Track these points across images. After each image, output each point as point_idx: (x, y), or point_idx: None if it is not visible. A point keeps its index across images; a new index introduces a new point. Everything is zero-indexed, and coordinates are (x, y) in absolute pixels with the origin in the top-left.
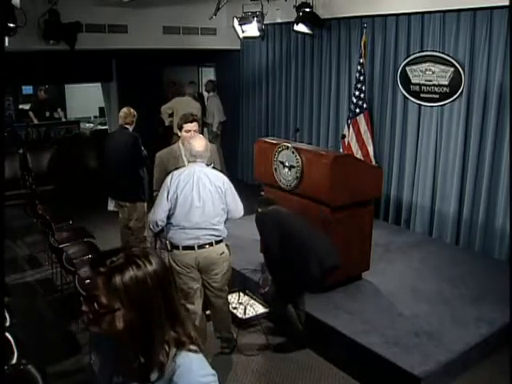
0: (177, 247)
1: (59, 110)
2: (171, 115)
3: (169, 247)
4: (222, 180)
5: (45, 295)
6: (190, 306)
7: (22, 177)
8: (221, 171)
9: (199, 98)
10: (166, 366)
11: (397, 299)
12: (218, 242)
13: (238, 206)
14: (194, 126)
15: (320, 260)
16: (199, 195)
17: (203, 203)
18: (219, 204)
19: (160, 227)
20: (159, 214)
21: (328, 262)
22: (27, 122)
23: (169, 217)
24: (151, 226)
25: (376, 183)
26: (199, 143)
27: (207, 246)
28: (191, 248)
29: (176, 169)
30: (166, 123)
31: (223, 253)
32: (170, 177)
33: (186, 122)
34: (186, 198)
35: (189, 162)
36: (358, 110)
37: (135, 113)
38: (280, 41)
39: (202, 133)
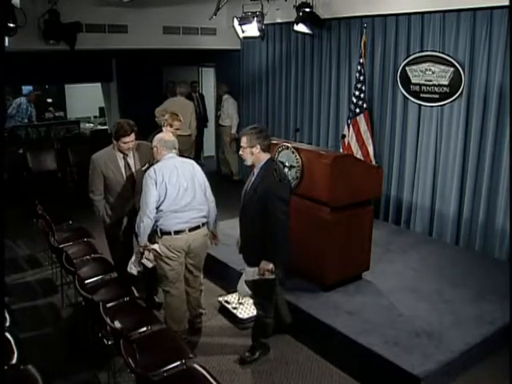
0: (168, 233)
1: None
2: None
3: (159, 234)
4: (192, 163)
5: (45, 295)
6: (174, 291)
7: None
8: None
9: (200, 99)
10: None
11: (397, 299)
12: (203, 225)
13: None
14: (131, 137)
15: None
16: (184, 179)
17: (187, 186)
18: (197, 184)
19: (153, 220)
20: (150, 204)
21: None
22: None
23: (157, 206)
24: (144, 222)
25: (376, 183)
26: (171, 136)
27: (197, 229)
28: (182, 232)
29: (150, 165)
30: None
31: (207, 234)
32: (151, 170)
33: (125, 136)
34: (175, 184)
35: (164, 154)
36: (357, 110)
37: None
38: (280, 41)
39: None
